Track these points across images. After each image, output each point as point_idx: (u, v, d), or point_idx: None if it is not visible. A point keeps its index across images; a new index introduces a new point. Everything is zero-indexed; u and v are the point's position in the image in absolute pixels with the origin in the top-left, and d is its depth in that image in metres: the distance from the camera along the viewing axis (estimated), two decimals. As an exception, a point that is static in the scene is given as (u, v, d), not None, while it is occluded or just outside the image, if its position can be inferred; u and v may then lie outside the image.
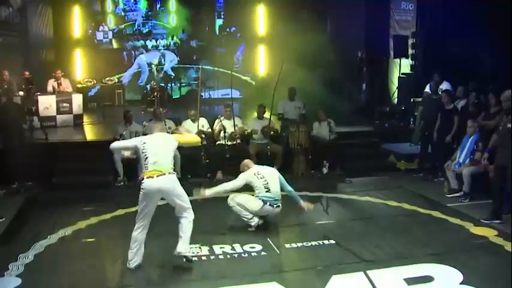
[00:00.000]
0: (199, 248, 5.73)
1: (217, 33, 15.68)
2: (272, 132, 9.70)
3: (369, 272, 5.21)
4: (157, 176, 5.13)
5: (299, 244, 6.05)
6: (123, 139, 8.64)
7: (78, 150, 9.58)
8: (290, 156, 9.41)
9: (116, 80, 14.17)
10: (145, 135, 8.86)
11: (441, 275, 5.18)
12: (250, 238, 6.15)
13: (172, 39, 15.28)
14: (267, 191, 6.44)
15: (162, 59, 14.99)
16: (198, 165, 9.03)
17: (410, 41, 12.62)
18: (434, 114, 9.00)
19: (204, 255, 5.64)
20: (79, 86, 13.41)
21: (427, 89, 10.33)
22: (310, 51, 11.94)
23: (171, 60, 14.96)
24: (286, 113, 10.12)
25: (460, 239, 6.29)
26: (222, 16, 15.65)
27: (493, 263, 5.56)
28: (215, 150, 9.27)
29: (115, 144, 5.57)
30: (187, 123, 9.35)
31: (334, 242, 6.11)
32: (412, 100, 11.68)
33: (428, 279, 5.11)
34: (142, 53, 14.99)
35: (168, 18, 15.36)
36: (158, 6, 15.28)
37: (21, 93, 10.29)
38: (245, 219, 6.46)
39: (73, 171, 8.99)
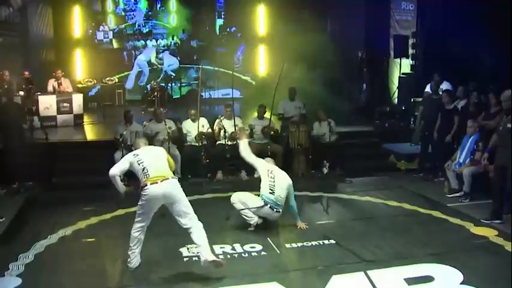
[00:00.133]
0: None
1: (218, 33, 15.69)
2: (272, 132, 9.69)
3: (369, 272, 5.21)
4: (161, 181, 5.10)
5: (299, 244, 6.05)
6: (123, 139, 8.67)
7: (79, 150, 9.58)
8: (290, 156, 9.41)
9: (116, 80, 14.17)
10: (146, 135, 8.97)
11: (441, 275, 5.18)
12: (251, 238, 6.16)
13: (172, 39, 15.29)
14: (270, 193, 6.43)
15: (160, 54, 15.03)
16: (198, 165, 9.02)
17: (410, 41, 12.62)
18: (435, 114, 9.00)
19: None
20: (79, 85, 13.42)
21: (428, 89, 10.32)
22: (311, 51, 11.93)
23: (169, 64, 14.95)
24: (287, 113, 10.11)
25: (460, 239, 6.28)
26: (223, 16, 15.66)
27: (493, 263, 5.56)
28: (215, 150, 9.27)
29: (113, 171, 5.40)
30: (188, 123, 9.35)
31: (335, 242, 6.11)
32: (412, 100, 11.68)
33: (428, 279, 5.11)
34: (141, 53, 15.01)
35: (169, 18, 15.38)
36: (158, 6, 15.30)
37: (21, 93, 10.30)
38: (245, 217, 6.46)
39: (73, 171, 8.99)
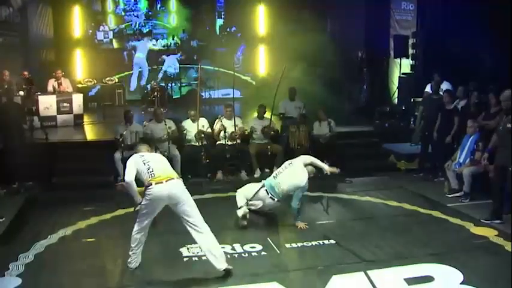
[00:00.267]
0: (200, 248, 5.71)
1: (218, 33, 15.70)
2: (272, 133, 9.69)
3: (369, 272, 5.21)
4: (166, 181, 5.05)
5: (299, 244, 6.05)
6: (123, 139, 8.68)
7: (79, 150, 9.58)
8: (290, 156, 9.38)
9: (116, 80, 14.17)
10: (146, 135, 8.99)
11: (441, 275, 5.19)
12: (251, 238, 6.16)
13: (172, 39, 15.29)
14: (274, 177, 6.61)
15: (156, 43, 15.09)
16: (198, 165, 9.02)
17: (410, 41, 12.62)
18: (435, 114, 9.00)
19: (204, 255, 5.61)
20: (79, 85, 13.42)
21: (428, 89, 10.33)
22: (311, 51, 11.94)
23: (169, 65, 14.95)
24: (287, 113, 10.12)
25: (460, 239, 6.28)
26: (223, 16, 15.66)
27: (493, 263, 5.56)
28: (215, 150, 9.27)
29: (129, 178, 5.18)
30: (188, 123, 9.35)
31: (335, 242, 6.11)
32: (412, 100, 11.68)
33: (428, 279, 5.11)
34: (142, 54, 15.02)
35: (169, 18, 15.38)
36: (158, 6, 15.29)
37: (21, 93, 10.30)
38: (238, 203, 6.55)
39: (73, 171, 8.99)
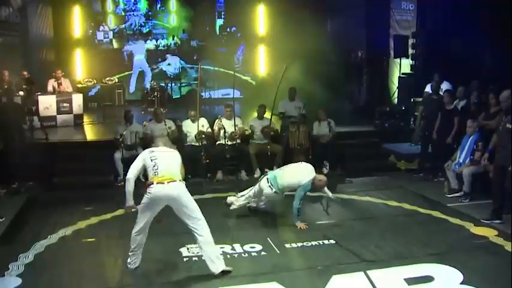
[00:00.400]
0: (199, 248, 5.71)
1: (218, 33, 15.70)
2: (272, 133, 9.69)
3: (369, 272, 5.21)
4: (167, 182, 5.04)
5: (299, 244, 6.05)
6: (123, 139, 8.68)
7: (79, 150, 9.58)
8: (290, 156, 9.40)
9: (116, 80, 14.17)
10: (146, 135, 8.99)
11: (441, 275, 5.19)
12: (250, 238, 6.15)
13: (172, 39, 15.29)
14: (278, 168, 6.89)
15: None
16: (198, 165, 9.02)
17: (410, 41, 12.62)
18: (435, 114, 9.00)
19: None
20: (79, 86, 13.42)
21: (428, 89, 10.33)
22: (311, 51, 11.95)
23: (169, 63, 14.94)
24: (287, 113, 10.11)
25: (460, 239, 6.28)
26: (223, 16, 15.66)
27: (493, 263, 5.56)
28: (215, 150, 9.27)
29: (129, 175, 5.21)
30: (187, 124, 9.35)
31: (335, 242, 6.11)
32: (412, 100, 11.68)
33: (428, 279, 5.11)
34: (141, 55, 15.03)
35: (169, 18, 15.38)
36: (158, 6, 15.30)
37: (21, 93, 10.30)
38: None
39: (73, 171, 9.00)
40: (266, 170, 8.42)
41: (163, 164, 5.14)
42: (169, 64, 15.03)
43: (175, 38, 15.29)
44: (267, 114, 9.74)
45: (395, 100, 13.05)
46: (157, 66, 15.09)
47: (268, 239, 6.13)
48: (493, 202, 6.98)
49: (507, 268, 5.24)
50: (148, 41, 15.18)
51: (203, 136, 9.15)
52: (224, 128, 9.20)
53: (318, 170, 9.31)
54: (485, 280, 5.07)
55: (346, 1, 13.76)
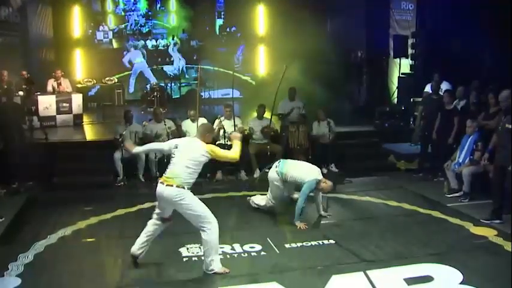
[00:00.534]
0: (199, 248, 5.72)
1: (218, 33, 15.69)
2: (272, 133, 9.68)
3: (368, 272, 5.21)
4: (166, 185, 5.06)
5: (299, 244, 6.05)
6: (122, 139, 8.67)
7: (78, 150, 9.57)
8: (290, 156, 9.38)
9: (116, 80, 14.16)
10: (145, 135, 9.00)
11: (441, 275, 5.19)
12: (250, 238, 6.15)
13: (172, 39, 15.28)
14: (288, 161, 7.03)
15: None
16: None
17: (410, 41, 12.62)
18: (435, 114, 9.00)
19: (203, 255, 5.62)
20: (79, 85, 13.41)
21: (428, 88, 10.33)
22: (310, 51, 11.94)
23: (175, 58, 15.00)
24: (286, 113, 10.11)
25: (460, 239, 6.29)
26: (222, 16, 15.66)
27: (493, 263, 5.56)
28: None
29: (138, 150, 5.37)
30: (187, 123, 9.36)
31: (334, 242, 6.11)
32: (412, 100, 11.68)
33: (428, 279, 5.11)
34: (141, 58, 15.03)
35: (168, 18, 15.38)
36: (158, 6, 15.29)
37: (21, 93, 10.29)
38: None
39: (73, 171, 9.00)
40: (266, 170, 8.39)
41: (173, 163, 5.16)
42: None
43: (175, 38, 15.29)
44: (267, 114, 9.74)
45: (395, 100, 13.05)
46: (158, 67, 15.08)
47: (267, 239, 6.12)
48: (492, 202, 6.99)
49: (507, 268, 5.24)
50: (148, 41, 15.18)
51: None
52: (224, 128, 9.19)
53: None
54: (485, 280, 5.07)
55: (345, 1, 13.76)
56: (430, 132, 9.08)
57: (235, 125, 9.32)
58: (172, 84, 14.78)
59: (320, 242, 6.10)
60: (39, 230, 6.43)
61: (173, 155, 5.19)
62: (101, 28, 14.78)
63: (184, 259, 5.59)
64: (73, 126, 11.04)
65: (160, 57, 15.18)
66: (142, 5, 15.09)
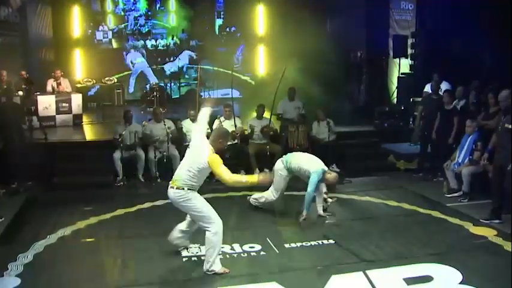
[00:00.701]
0: (199, 248, 5.72)
1: (217, 33, 15.69)
2: (272, 133, 9.68)
3: (368, 271, 5.21)
4: (170, 187, 5.21)
5: (298, 244, 6.05)
6: (122, 139, 8.69)
7: (78, 150, 9.56)
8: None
9: (116, 80, 14.16)
10: (145, 135, 9.01)
11: (440, 274, 5.19)
12: (250, 238, 6.16)
13: (172, 39, 15.28)
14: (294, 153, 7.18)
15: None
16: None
17: (409, 41, 12.63)
18: (434, 114, 9.00)
19: (203, 255, 5.61)
20: (78, 85, 13.39)
21: (428, 88, 10.33)
22: (310, 51, 11.94)
23: (180, 58, 15.02)
24: (286, 113, 10.11)
25: (459, 239, 6.29)
26: (222, 16, 15.65)
27: (492, 262, 5.56)
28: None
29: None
30: (187, 123, 9.35)
31: (334, 241, 6.11)
32: (411, 100, 11.68)
33: (427, 279, 5.11)
34: (141, 58, 15.02)
35: (168, 18, 15.36)
36: (158, 6, 15.28)
37: (20, 93, 10.29)
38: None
39: (72, 171, 8.99)
40: (265, 169, 8.43)
41: (180, 164, 5.34)
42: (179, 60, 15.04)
43: (174, 38, 15.28)
44: (266, 114, 9.73)
45: (395, 100, 13.05)
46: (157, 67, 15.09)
47: (267, 239, 6.12)
48: (492, 202, 6.99)
49: (506, 268, 5.25)
50: (147, 41, 15.17)
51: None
52: (222, 128, 9.19)
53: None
54: (485, 280, 5.08)
55: (345, 1, 13.76)
56: (430, 132, 9.08)
57: (235, 125, 9.32)
58: (172, 84, 14.77)
59: (320, 242, 6.10)
60: (39, 230, 6.43)
61: (185, 156, 5.32)
62: (100, 28, 14.76)
63: (184, 259, 5.59)
64: (72, 126, 11.03)
65: (160, 57, 15.17)
66: (142, 5, 15.08)
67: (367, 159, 10.17)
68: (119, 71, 14.67)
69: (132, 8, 15.03)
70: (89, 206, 7.44)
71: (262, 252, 5.80)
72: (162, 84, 14.18)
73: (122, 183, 8.76)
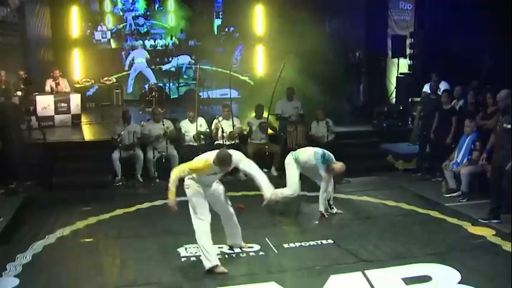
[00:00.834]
0: (197, 248, 5.71)
1: (216, 33, 15.68)
2: (270, 129, 9.67)
3: (367, 271, 5.21)
4: None
5: (297, 244, 6.05)
6: (121, 139, 8.68)
7: (77, 150, 9.56)
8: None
9: (114, 80, 14.15)
10: (144, 135, 9.01)
11: (439, 274, 5.19)
12: (249, 238, 6.14)
13: (171, 39, 15.27)
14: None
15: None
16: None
17: (408, 41, 12.63)
18: (433, 114, 9.01)
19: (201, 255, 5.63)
20: (77, 85, 13.40)
21: (426, 88, 10.33)
22: (309, 51, 11.94)
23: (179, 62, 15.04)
24: (284, 113, 10.10)
25: (458, 239, 6.29)
26: (221, 16, 15.64)
27: (491, 262, 5.56)
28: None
29: None
30: (186, 123, 9.36)
31: (333, 241, 6.11)
32: (410, 100, 11.68)
33: (426, 279, 5.11)
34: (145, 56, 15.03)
35: (167, 18, 15.35)
36: (156, 6, 15.27)
37: (19, 93, 10.27)
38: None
39: (71, 171, 8.98)
40: (265, 170, 8.41)
41: None
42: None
43: (173, 38, 15.28)
44: (266, 114, 9.73)
45: (394, 100, 13.05)
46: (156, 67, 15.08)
47: (266, 239, 6.11)
48: (490, 202, 6.99)
49: (505, 267, 5.26)
50: (146, 41, 15.16)
51: (201, 136, 9.15)
52: (222, 128, 9.19)
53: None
54: (483, 280, 5.08)
55: (344, 1, 13.77)
56: (429, 132, 9.09)
57: (233, 125, 9.32)
58: (171, 84, 14.76)
59: (318, 242, 6.10)
60: (38, 230, 6.43)
61: None
62: (99, 28, 14.75)
63: (183, 259, 5.59)
64: (71, 126, 11.02)
65: (158, 57, 15.17)
66: (141, 5, 15.07)
67: (365, 159, 10.16)
68: (118, 71, 14.67)
69: (131, 8, 15.02)
70: (87, 206, 7.43)
71: (261, 252, 5.79)
72: (161, 84, 14.17)
73: (120, 183, 8.76)
